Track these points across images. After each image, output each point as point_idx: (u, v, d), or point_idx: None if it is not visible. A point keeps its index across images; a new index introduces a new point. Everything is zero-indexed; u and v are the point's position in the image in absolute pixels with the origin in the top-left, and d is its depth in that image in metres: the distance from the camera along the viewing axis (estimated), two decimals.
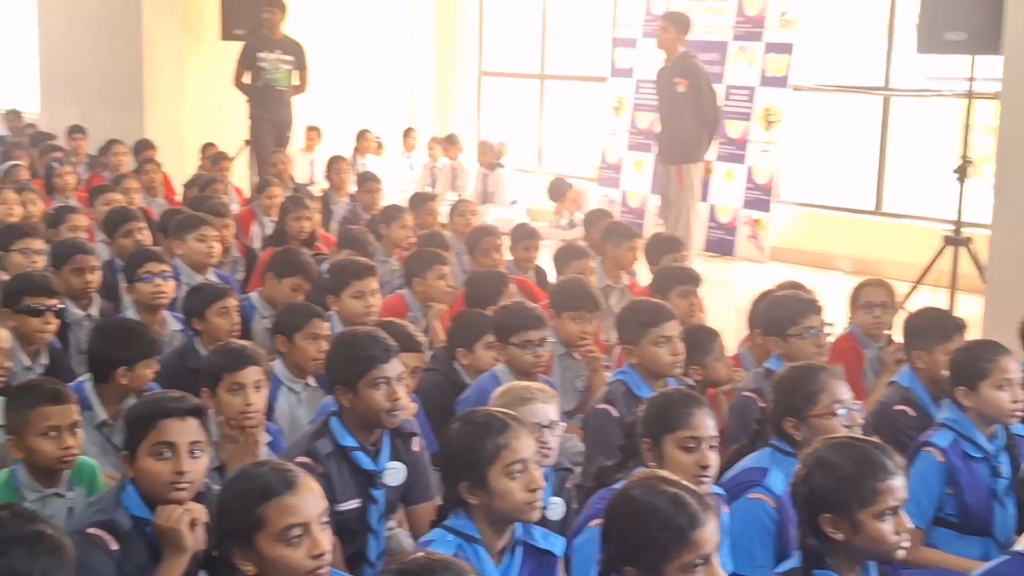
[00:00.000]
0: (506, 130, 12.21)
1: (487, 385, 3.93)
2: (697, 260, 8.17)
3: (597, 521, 2.98)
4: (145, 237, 5.89)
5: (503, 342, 4.23)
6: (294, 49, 9.75)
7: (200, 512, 2.71)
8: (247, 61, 9.67)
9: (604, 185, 11.13)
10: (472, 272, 5.84)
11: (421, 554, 2.23)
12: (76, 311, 4.92)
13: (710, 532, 2.36)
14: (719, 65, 10.11)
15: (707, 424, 3.11)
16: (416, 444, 3.54)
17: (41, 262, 5.30)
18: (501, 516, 2.80)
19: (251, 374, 3.55)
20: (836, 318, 5.01)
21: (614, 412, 3.95)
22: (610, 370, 4.67)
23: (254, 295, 5.29)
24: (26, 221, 6.29)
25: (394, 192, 10.12)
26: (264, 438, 3.65)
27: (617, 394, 4.02)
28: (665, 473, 2.55)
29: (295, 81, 9.79)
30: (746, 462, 3.41)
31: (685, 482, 2.47)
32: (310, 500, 2.48)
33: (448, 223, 6.82)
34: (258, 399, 3.55)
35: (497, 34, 12.86)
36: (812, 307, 4.45)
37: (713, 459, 3.10)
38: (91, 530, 2.80)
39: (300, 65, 9.74)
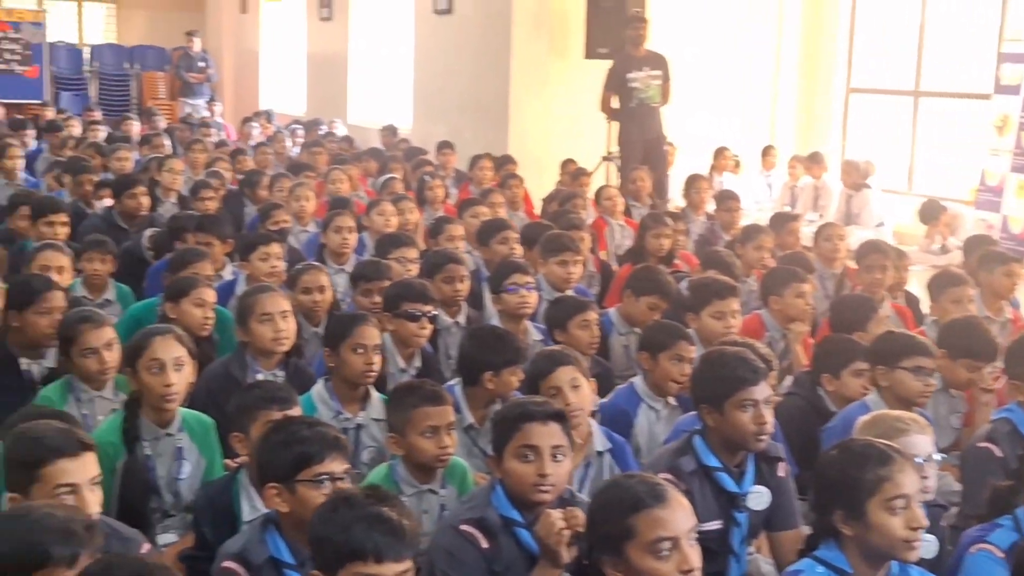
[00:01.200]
0: (873, 149, 11.71)
1: (857, 414, 3.74)
2: None
3: (981, 546, 2.88)
4: (517, 248, 6.10)
5: (888, 367, 4.01)
6: (660, 63, 9.76)
7: (581, 520, 2.74)
8: (614, 85, 9.76)
9: (982, 209, 10.41)
10: (838, 296, 5.61)
11: None
12: (446, 318, 5.13)
13: None
14: None
15: None
16: (782, 469, 3.43)
17: (415, 270, 5.58)
18: (876, 551, 2.67)
19: (563, 375, 3.60)
20: None
21: (997, 452, 3.70)
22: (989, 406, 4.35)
23: (612, 311, 5.32)
24: (403, 230, 6.66)
25: (751, 211, 9.93)
26: (600, 443, 3.69)
27: (1001, 433, 3.76)
28: None
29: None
30: None
31: None
32: (680, 515, 2.48)
33: (813, 246, 6.57)
34: (576, 397, 3.58)
35: (868, 49, 12.34)
36: None
37: None
38: (464, 526, 2.92)
39: (666, 77, 9.78)
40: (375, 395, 4.04)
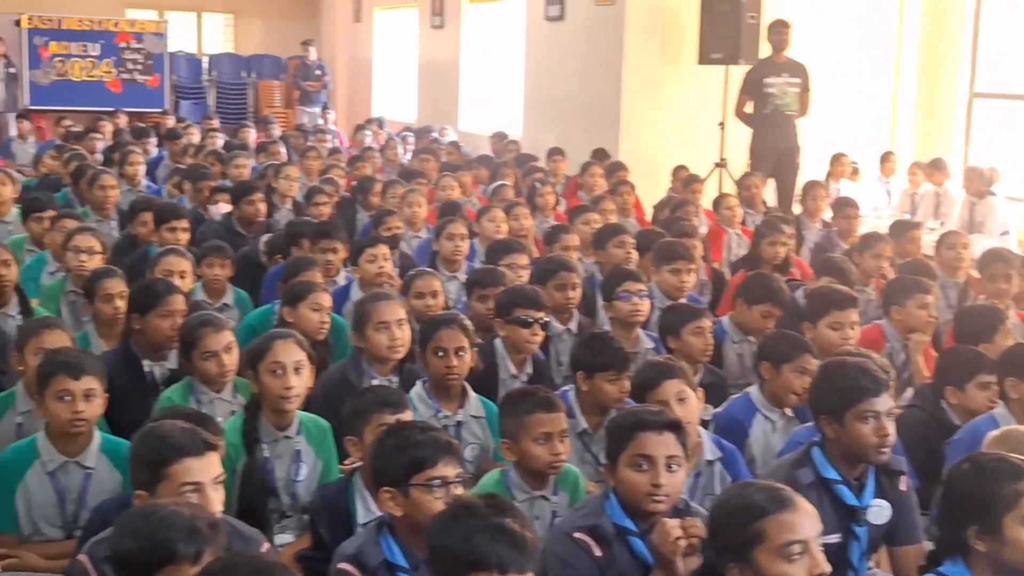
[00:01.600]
0: (998, 155, 11.35)
1: (985, 428, 3.64)
2: None
3: None
4: (633, 253, 6.08)
5: (1020, 379, 3.90)
6: (800, 71, 9.60)
7: (700, 530, 2.71)
8: (751, 89, 9.62)
9: None
10: (963, 306, 5.46)
11: None
12: (557, 325, 5.11)
13: None
14: None
15: None
16: (903, 483, 3.36)
17: (526, 276, 5.59)
18: (1010, 567, 2.63)
19: (669, 389, 3.58)
20: None
21: None
22: None
23: (725, 319, 5.25)
24: (516, 236, 6.67)
25: (870, 219, 9.72)
26: (710, 452, 3.65)
27: None
28: None
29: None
30: None
31: None
32: (808, 519, 2.49)
33: (934, 255, 6.40)
34: (683, 410, 3.54)
35: (992, 52, 11.96)
36: None
37: None
38: (577, 534, 2.92)
39: (805, 87, 9.63)
40: (472, 393, 4.12)
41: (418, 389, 4.06)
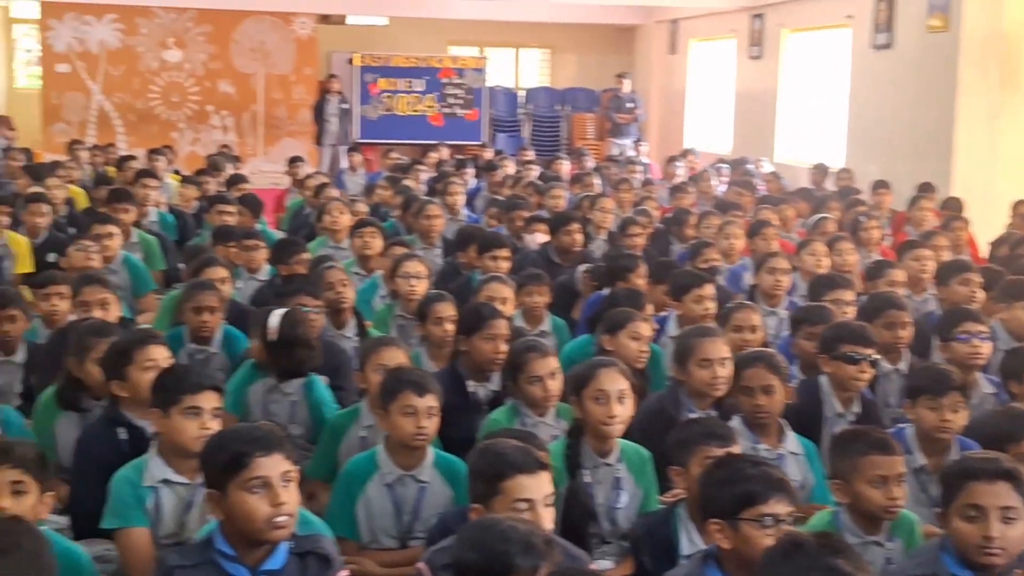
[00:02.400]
0: None
1: None
2: None
3: None
4: (979, 293, 5.78)
5: None
6: None
7: None
8: None
9: None
10: None
11: None
12: (886, 365, 4.91)
13: None
14: None
15: None
16: None
17: (851, 313, 5.39)
18: None
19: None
20: None
21: None
22: None
23: None
24: (839, 271, 6.45)
25: None
26: None
27: None
28: None
29: None
30: None
31: None
32: None
33: None
34: None
35: None
36: None
37: None
38: None
39: None
40: (789, 430, 4.06)
41: (736, 423, 4.01)
